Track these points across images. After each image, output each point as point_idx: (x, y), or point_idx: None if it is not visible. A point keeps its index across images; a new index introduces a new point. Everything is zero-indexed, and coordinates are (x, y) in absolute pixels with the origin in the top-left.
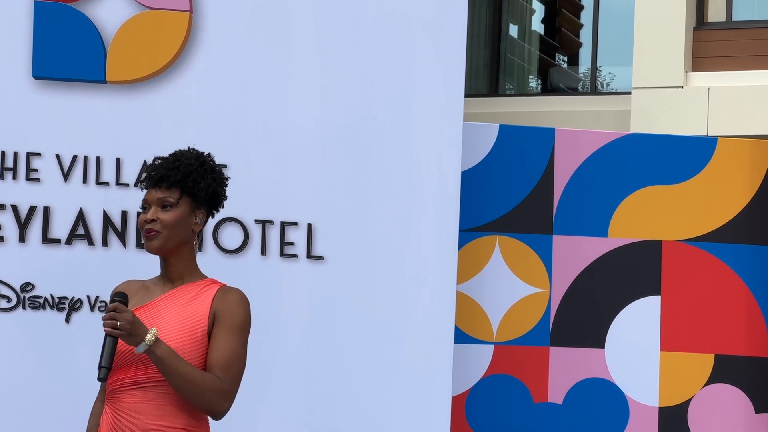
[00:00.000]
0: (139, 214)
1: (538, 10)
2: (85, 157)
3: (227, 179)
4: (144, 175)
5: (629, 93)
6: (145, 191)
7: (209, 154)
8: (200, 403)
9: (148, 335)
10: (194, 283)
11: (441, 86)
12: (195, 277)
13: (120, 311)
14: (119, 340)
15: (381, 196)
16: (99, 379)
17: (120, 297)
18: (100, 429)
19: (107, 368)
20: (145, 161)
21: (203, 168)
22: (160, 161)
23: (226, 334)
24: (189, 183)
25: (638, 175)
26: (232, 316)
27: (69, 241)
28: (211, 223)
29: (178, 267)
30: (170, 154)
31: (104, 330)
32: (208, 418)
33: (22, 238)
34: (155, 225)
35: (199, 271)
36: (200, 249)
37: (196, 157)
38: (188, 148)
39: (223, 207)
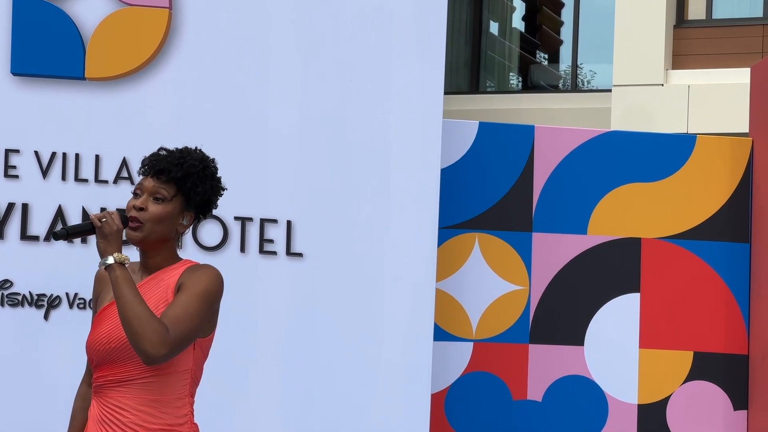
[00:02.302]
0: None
1: (519, 8)
2: (64, 154)
3: (224, 189)
4: (145, 161)
5: (609, 91)
6: (141, 177)
7: (213, 160)
8: (140, 339)
9: (118, 254)
10: (168, 268)
11: (421, 83)
12: (171, 264)
13: (114, 218)
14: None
15: (360, 193)
16: (53, 232)
17: (124, 218)
18: (87, 423)
19: (65, 231)
20: (124, 158)
21: (205, 173)
22: (165, 153)
23: (185, 296)
24: (188, 184)
25: (618, 173)
26: (193, 283)
27: (48, 238)
28: None
29: (156, 259)
30: (177, 150)
31: (91, 216)
32: (193, 416)
33: (0, 235)
34: (142, 214)
35: (178, 258)
36: (180, 247)
37: (201, 160)
38: (195, 148)
39: (211, 215)
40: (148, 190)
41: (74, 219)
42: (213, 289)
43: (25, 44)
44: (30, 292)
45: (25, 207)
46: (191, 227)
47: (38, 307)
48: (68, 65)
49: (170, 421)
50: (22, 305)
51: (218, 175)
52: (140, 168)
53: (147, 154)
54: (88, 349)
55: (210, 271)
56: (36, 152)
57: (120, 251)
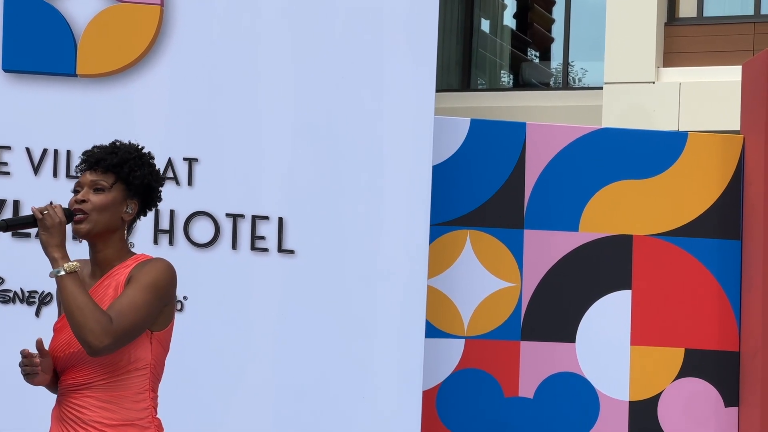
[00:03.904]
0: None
1: (510, 6)
2: (56, 151)
3: (164, 179)
4: (80, 159)
5: (601, 88)
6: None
7: (150, 153)
8: (82, 330)
9: (68, 263)
10: (121, 265)
11: (412, 81)
12: (123, 259)
13: (56, 211)
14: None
15: (352, 190)
16: None
17: (68, 212)
18: (51, 423)
19: (5, 223)
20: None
21: (141, 160)
22: (98, 149)
23: (132, 288)
24: (125, 169)
25: (609, 170)
26: (142, 276)
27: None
28: (182, 216)
29: (105, 253)
30: (110, 143)
31: (32, 208)
32: (156, 411)
33: None
34: (85, 206)
35: (130, 253)
36: (129, 234)
37: (136, 149)
38: (129, 142)
39: (156, 207)
40: (87, 183)
41: None
42: (162, 280)
43: (17, 41)
44: (21, 288)
45: (16, 204)
46: (137, 220)
47: (29, 304)
48: (60, 62)
49: (129, 416)
50: (14, 302)
51: (157, 167)
52: (77, 167)
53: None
54: (51, 356)
55: (160, 263)
56: (27, 149)
57: (63, 245)
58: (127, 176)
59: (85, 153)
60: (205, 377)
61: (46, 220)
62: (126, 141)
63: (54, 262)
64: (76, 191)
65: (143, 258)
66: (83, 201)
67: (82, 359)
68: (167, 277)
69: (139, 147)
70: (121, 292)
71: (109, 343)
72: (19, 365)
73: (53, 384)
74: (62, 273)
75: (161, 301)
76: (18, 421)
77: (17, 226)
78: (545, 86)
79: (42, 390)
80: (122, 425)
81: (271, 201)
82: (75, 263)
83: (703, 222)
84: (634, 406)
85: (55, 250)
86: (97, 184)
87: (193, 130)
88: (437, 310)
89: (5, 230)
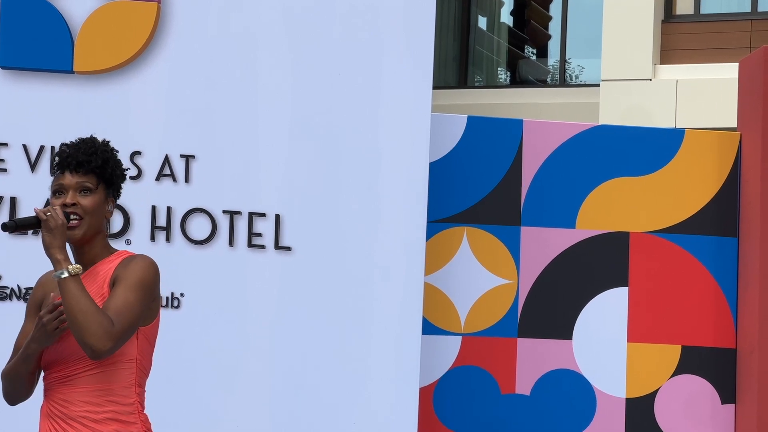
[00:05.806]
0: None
1: (507, 2)
2: (53, 148)
3: (127, 170)
4: (57, 160)
5: (598, 85)
6: (56, 176)
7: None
8: (85, 334)
9: (72, 266)
10: (104, 261)
11: (409, 78)
12: (104, 256)
13: (59, 214)
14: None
15: (349, 187)
16: (2, 224)
17: (65, 215)
18: (40, 420)
19: (14, 223)
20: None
21: (114, 155)
22: (68, 148)
23: (122, 288)
24: (108, 170)
25: (606, 167)
26: (129, 274)
27: (36, 232)
28: (179, 213)
29: (90, 254)
30: (81, 141)
31: (35, 210)
32: (142, 406)
33: None
34: (77, 209)
35: (112, 249)
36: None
37: (105, 144)
38: (91, 137)
39: (119, 197)
40: (71, 186)
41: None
42: (149, 276)
43: (14, 38)
44: (18, 285)
45: (13, 201)
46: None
47: (26, 300)
48: (57, 59)
49: (116, 409)
50: (11, 299)
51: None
52: (55, 167)
53: (71, 149)
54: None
55: (144, 260)
56: (24, 146)
57: (65, 247)
58: (109, 176)
59: (61, 154)
60: (201, 374)
61: (49, 222)
62: (87, 135)
63: (57, 264)
64: (58, 193)
65: (125, 255)
66: (74, 204)
67: (68, 353)
68: (153, 273)
69: (106, 142)
70: (112, 292)
71: (112, 346)
72: (47, 322)
73: (38, 364)
74: (65, 275)
75: (150, 298)
76: (13, 418)
77: (24, 226)
78: (542, 83)
79: (40, 389)
80: (109, 419)
81: (268, 198)
82: (78, 266)
83: (700, 219)
84: (630, 403)
85: (57, 251)
86: (83, 186)
87: (191, 127)
88: (434, 307)
89: (14, 230)
